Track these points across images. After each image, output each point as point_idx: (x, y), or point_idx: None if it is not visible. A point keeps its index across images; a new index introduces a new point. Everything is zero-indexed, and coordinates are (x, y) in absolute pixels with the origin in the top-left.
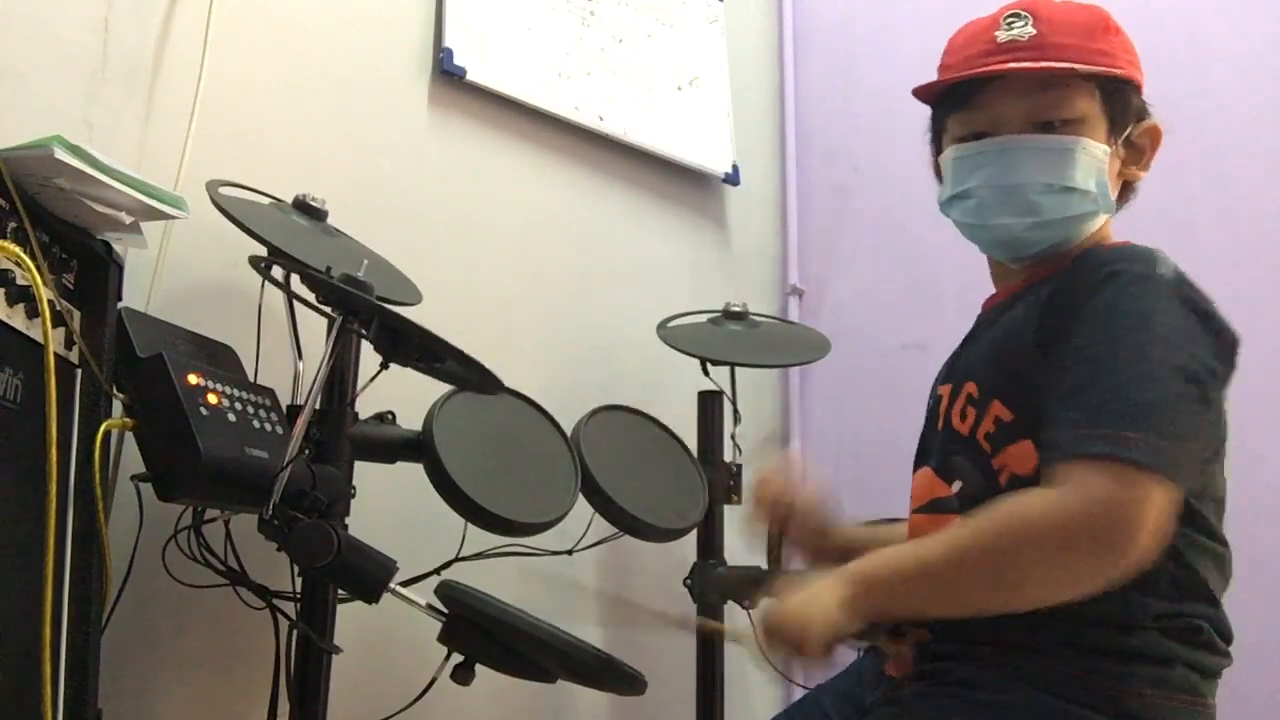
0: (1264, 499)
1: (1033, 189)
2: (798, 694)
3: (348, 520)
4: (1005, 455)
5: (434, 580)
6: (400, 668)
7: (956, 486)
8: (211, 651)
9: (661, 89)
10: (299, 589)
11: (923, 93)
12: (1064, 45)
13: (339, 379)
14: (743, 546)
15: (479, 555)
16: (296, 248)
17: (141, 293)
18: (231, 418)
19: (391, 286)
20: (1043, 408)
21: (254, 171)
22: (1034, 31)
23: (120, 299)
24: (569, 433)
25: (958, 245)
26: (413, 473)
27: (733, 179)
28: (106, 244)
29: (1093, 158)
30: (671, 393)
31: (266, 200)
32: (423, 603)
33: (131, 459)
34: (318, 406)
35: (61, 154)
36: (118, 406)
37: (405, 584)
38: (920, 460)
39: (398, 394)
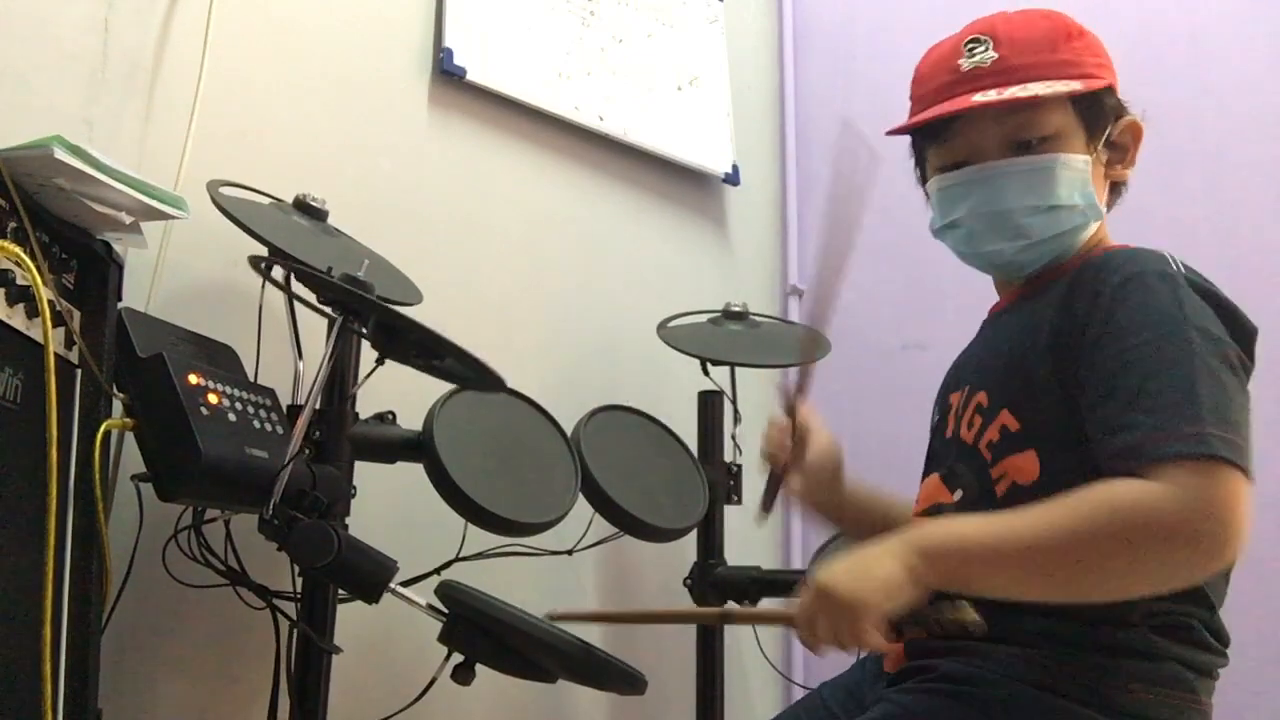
0: (1265, 499)
1: (1020, 213)
2: (798, 694)
3: (348, 520)
4: (1005, 465)
5: (434, 580)
6: (400, 668)
7: (958, 495)
8: (211, 651)
9: (661, 89)
10: (299, 589)
11: (898, 129)
12: (1028, 65)
13: (339, 379)
14: (743, 546)
15: (479, 555)
16: (297, 248)
17: (141, 293)
18: (231, 418)
19: (392, 286)
20: (1054, 412)
21: (254, 171)
22: (995, 56)
23: (120, 299)
24: (569, 433)
25: None
26: (413, 473)
27: (733, 179)
28: (106, 244)
29: (1074, 171)
30: (671, 393)
31: (266, 200)
32: (423, 603)
33: (131, 459)
34: (318, 406)
35: (61, 154)
36: (118, 406)
37: (405, 584)
38: (930, 467)
39: (398, 394)
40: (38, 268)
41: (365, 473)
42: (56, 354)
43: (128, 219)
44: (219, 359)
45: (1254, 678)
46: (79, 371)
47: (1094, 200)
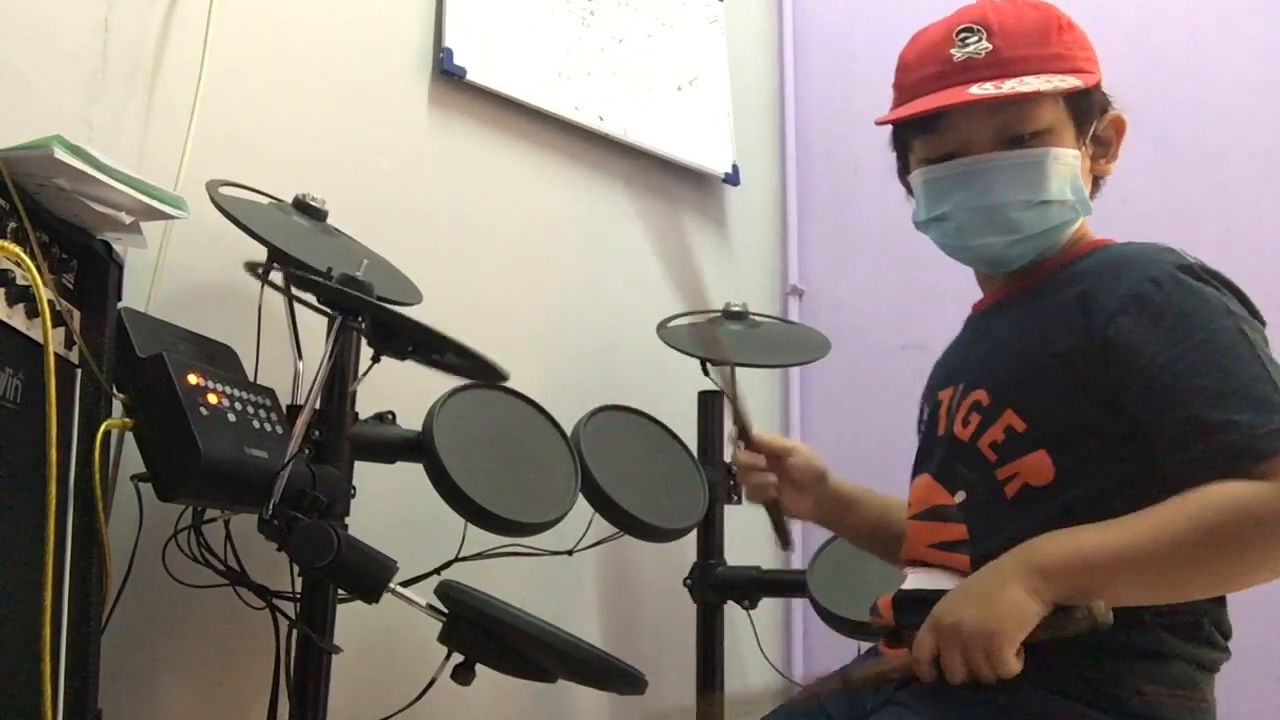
0: None
1: (1011, 207)
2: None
3: (348, 520)
4: (1016, 466)
5: (434, 580)
6: (400, 668)
7: (960, 497)
8: (211, 651)
9: (661, 89)
10: (299, 589)
11: (888, 118)
12: (1022, 58)
13: (339, 379)
14: (743, 546)
15: (479, 555)
16: (296, 248)
17: (141, 293)
18: (231, 418)
19: (391, 286)
20: (1065, 413)
21: (254, 171)
22: (989, 47)
23: (120, 299)
24: (569, 433)
25: None
26: (413, 473)
27: (733, 179)
28: (106, 244)
29: (1065, 165)
30: (671, 393)
31: (266, 200)
32: (423, 603)
33: (131, 459)
34: (318, 406)
35: (61, 154)
36: (118, 406)
37: (405, 584)
38: (920, 466)
39: (398, 394)
40: (37, 268)
41: (365, 473)
42: (56, 354)
43: (128, 219)
44: (219, 359)
45: (1252, 675)
46: (79, 371)
47: (1084, 195)
